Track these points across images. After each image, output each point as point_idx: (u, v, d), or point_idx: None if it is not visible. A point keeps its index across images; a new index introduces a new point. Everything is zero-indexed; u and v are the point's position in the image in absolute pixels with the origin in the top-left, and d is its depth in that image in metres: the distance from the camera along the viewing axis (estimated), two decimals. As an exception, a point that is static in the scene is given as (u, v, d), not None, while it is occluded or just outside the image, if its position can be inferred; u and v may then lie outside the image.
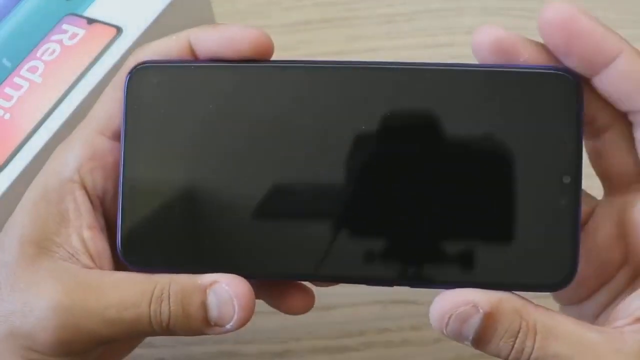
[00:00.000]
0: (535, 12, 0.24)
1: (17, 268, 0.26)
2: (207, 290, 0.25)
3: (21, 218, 0.26)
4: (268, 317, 0.36)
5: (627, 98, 0.24)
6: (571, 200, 0.24)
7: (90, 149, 0.27)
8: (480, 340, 0.24)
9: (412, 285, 0.26)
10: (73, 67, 0.37)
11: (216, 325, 0.26)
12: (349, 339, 0.39)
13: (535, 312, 0.24)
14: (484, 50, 0.25)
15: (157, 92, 0.27)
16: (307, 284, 0.29)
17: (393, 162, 0.25)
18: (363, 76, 0.25)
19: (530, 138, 0.24)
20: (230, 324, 0.25)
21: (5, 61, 0.38)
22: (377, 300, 0.39)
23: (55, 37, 0.38)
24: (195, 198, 0.27)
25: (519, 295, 0.24)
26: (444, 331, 0.24)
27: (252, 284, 0.26)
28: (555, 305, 0.29)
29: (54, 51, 0.38)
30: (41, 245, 0.26)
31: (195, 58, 0.27)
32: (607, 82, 0.24)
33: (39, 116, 0.36)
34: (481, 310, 0.23)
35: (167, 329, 0.25)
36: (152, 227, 0.27)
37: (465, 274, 0.25)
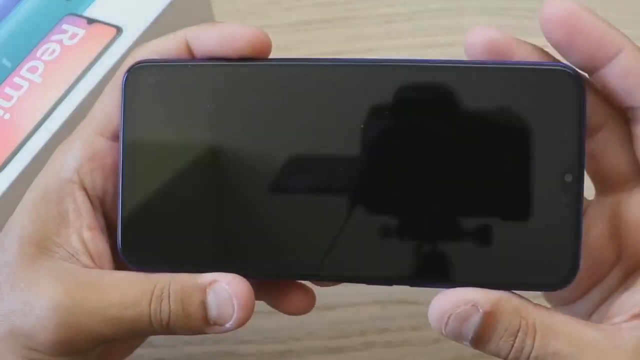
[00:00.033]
0: (536, 12, 0.24)
1: (17, 268, 0.26)
2: (207, 290, 0.25)
3: (21, 218, 0.27)
4: (268, 317, 0.36)
5: (629, 94, 0.24)
6: (573, 198, 0.24)
7: (89, 150, 0.27)
8: (479, 339, 0.24)
9: (412, 285, 0.26)
10: (73, 67, 0.37)
11: (216, 324, 0.26)
12: (349, 339, 0.39)
13: (535, 310, 0.24)
14: (477, 51, 0.25)
15: (155, 91, 0.27)
16: (307, 283, 0.29)
17: (392, 161, 0.25)
18: (361, 73, 0.25)
19: (532, 135, 0.24)
20: (230, 323, 0.25)
21: (5, 61, 0.38)
22: (377, 300, 0.39)
23: (55, 37, 0.38)
24: (194, 197, 0.27)
25: (517, 294, 0.24)
26: (443, 331, 0.24)
27: (252, 284, 0.26)
28: (547, 305, 0.29)
29: (54, 51, 0.38)
30: (41, 246, 0.26)
31: (193, 57, 0.27)
32: (609, 78, 0.24)
33: (38, 116, 0.36)
34: (481, 310, 0.23)
35: (167, 328, 0.25)
36: (152, 227, 0.27)
37: (466, 273, 0.25)
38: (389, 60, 0.25)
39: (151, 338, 0.32)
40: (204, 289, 0.25)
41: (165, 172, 0.27)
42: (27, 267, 0.26)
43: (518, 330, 0.23)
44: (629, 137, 0.26)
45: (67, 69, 0.37)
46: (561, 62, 0.25)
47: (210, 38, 0.26)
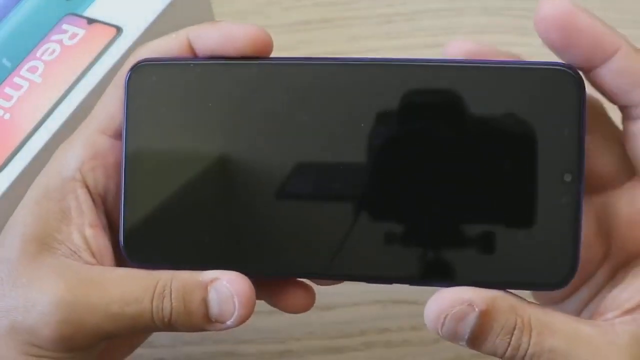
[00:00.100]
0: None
1: (19, 265, 0.26)
2: (208, 287, 0.25)
3: (23, 216, 0.27)
4: (268, 316, 0.36)
5: (624, 93, 0.24)
6: (573, 198, 0.24)
7: (91, 148, 0.27)
8: (476, 338, 0.24)
9: (411, 284, 0.26)
10: (73, 67, 0.37)
11: (217, 321, 0.26)
12: (349, 339, 0.39)
13: (530, 308, 0.24)
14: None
15: (157, 89, 0.27)
16: (308, 281, 0.29)
17: (392, 162, 0.25)
18: (363, 73, 0.25)
19: (532, 135, 0.24)
20: (231, 320, 0.25)
21: (5, 61, 0.38)
22: (377, 300, 0.39)
23: (55, 37, 0.38)
24: (196, 195, 0.27)
25: (512, 293, 0.24)
26: (440, 332, 0.24)
27: (252, 283, 0.26)
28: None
29: (54, 51, 0.38)
30: (43, 242, 0.26)
31: (195, 56, 0.27)
32: (605, 78, 0.24)
33: (38, 116, 0.36)
34: (476, 309, 0.23)
35: (169, 325, 0.26)
36: (154, 224, 0.27)
37: (465, 272, 0.25)
38: (390, 60, 0.25)
39: (151, 338, 0.32)
40: (205, 287, 0.25)
41: (167, 170, 0.27)
42: (29, 263, 0.26)
43: (514, 328, 0.23)
44: (614, 135, 0.26)
45: (67, 69, 0.37)
46: (561, 62, 0.25)
47: (211, 37, 0.26)
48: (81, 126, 0.28)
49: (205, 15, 0.43)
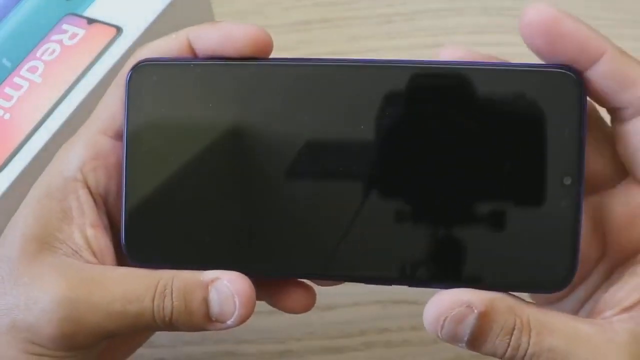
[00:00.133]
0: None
1: (20, 263, 0.26)
2: (209, 287, 0.25)
3: (25, 215, 0.27)
4: (268, 317, 0.36)
5: (612, 96, 0.24)
6: (572, 201, 0.24)
7: (93, 149, 0.27)
8: (475, 340, 0.24)
9: (410, 285, 0.26)
10: (73, 67, 0.37)
11: (217, 321, 0.26)
12: (349, 339, 0.39)
13: (528, 308, 0.24)
14: None
15: (158, 89, 0.27)
16: (308, 281, 0.29)
17: (390, 162, 0.25)
18: (363, 73, 0.25)
19: (532, 137, 0.24)
20: (231, 320, 0.26)
21: (5, 61, 0.38)
22: (377, 300, 0.39)
23: (55, 37, 0.38)
24: (197, 195, 0.27)
25: (510, 294, 0.25)
26: (439, 334, 0.24)
27: (253, 283, 0.26)
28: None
29: (54, 51, 0.38)
30: (44, 241, 0.26)
31: (195, 56, 0.27)
32: (592, 81, 0.24)
33: (39, 116, 0.36)
34: (475, 310, 0.23)
35: (170, 324, 0.26)
36: (156, 224, 0.27)
37: (463, 274, 0.25)
38: (390, 61, 0.25)
39: (152, 338, 0.32)
40: (206, 286, 0.25)
41: (168, 170, 0.27)
42: (31, 262, 0.26)
43: (513, 329, 0.23)
44: (607, 136, 0.26)
45: (67, 69, 0.37)
46: (562, 64, 0.24)
47: (211, 37, 0.27)
48: (83, 126, 0.28)
49: (205, 15, 0.43)
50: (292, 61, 0.26)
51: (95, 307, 0.25)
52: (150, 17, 0.38)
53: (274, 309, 0.29)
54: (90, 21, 0.39)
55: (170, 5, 0.39)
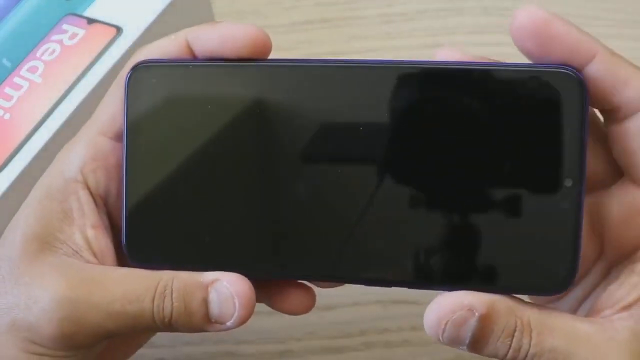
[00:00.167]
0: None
1: (21, 263, 0.26)
2: (209, 288, 0.26)
3: (25, 215, 0.27)
4: (268, 317, 0.36)
5: (604, 97, 0.24)
6: (573, 204, 0.24)
7: (93, 150, 0.27)
8: (477, 342, 0.24)
9: (410, 287, 0.26)
10: (73, 67, 0.37)
11: (217, 322, 0.26)
12: (349, 339, 0.39)
13: (528, 309, 0.24)
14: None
15: (157, 90, 0.27)
16: (308, 283, 0.29)
17: (390, 162, 0.25)
18: (363, 74, 0.25)
19: (533, 138, 0.24)
20: (231, 321, 0.26)
21: (5, 61, 0.38)
22: (377, 300, 0.39)
23: (55, 37, 0.38)
24: (197, 195, 0.27)
25: (509, 295, 0.25)
26: (441, 338, 0.24)
27: (252, 285, 0.26)
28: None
29: (54, 51, 0.38)
30: (44, 241, 0.26)
31: (194, 57, 0.27)
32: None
33: (39, 116, 0.36)
34: (476, 313, 0.23)
35: (169, 325, 0.26)
36: (156, 225, 0.27)
37: (464, 277, 0.25)
38: (391, 61, 0.25)
39: (152, 338, 0.32)
40: (206, 287, 0.26)
41: (168, 170, 0.27)
42: (31, 262, 0.26)
43: (514, 330, 0.23)
44: (601, 136, 0.26)
45: (67, 69, 0.37)
46: (562, 64, 0.24)
47: (210, 38, 0.27)
48: (84, 127, 0.28)
49: (205, 15, 0.43)
50: (291, 62, 0.26)
51: (95, 307, 0.25)
52: (150, 17, 0.38)
53: (275, 310, 0.29)
54: (90, 21, 0.39)
55: (170, 5, 0.39)
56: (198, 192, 0.27)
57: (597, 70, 0.24)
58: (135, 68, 0.27)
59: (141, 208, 0.27)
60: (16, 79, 0.37)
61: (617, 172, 0.26)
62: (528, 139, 0.24)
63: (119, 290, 0.25)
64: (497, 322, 0.23)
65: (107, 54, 0.37)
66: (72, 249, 0.26)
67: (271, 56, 0.27)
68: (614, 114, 0.25)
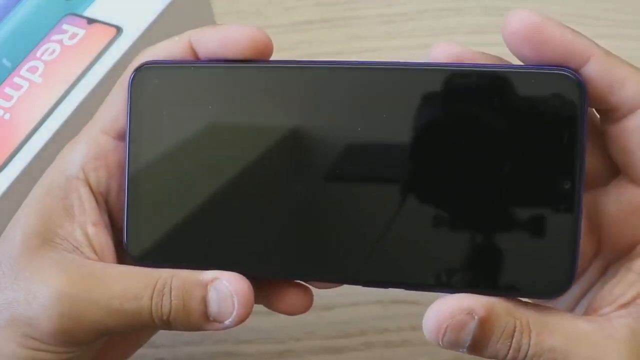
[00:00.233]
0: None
1: (21, 258, 0.26)
2: (208, 286, 0.26)
3: (26, 212, 0.27)
4: (267, 317, 0.36)
5: (601, 98, 0.24)
6: (571, 206, 0.24)
7: (95, 148, 0.28)
8: (477, 345, 0.24)
9: (407, 288, 0.26)
10: (73, 67, 0.37)
11: (215, 321, 0.26)
12: (349, 339, 0.39)
13: (526, 310, 0.24)
14: None
15: (160, 91, 0.27)
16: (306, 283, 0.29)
17: (387, 163, 0.25)
18: (364, 76, 0.25)
19: (532, 140, 0.24)
20: (229, 320, 0.26)
21: (5, 61, 0.38)
22: (377, 300, 0.39)
23: (55, 37, 0.38)
24: (198, 195, 0.27)
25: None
26: (441, 342, 0.24)
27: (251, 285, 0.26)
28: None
29: (54, 51, 0.38)
30: (45, 237, 0.26)
31: (197, 58, 0.27)
32: None
33: (38, 116, 0.36)
34: (476, 317, 0.23)
35: (168, 323, 0.26)
36: (157, 224, 0.27)
37: (462, 279, 0.25)
38: (391, 63, 0.25)
39: (152, 338, 0.32)
40: (205, 286, 0.26)
41: (170, 170, 0.27)
42: (32, 257, 0.26)
43: (514, 331, 0.23)
44: (597, 134, 0.26)
45: (67, 69, 0.37)
46: (562, 66, 0.24)
47: (212, 40, 0.27)
48: (86, 126, 0.28)
49: (205, 16, 0.43)
50: (294, 63, 0.26)
51: (95, 304, 0.25)
52: (150, 17, 0.38)
53: (273, 310, 0.29)
54: (90, 21, 0.39)
55: (170, 5, 0.39)
56: (199, 192, 0.27)
57: (593, 71, 0.24)
58: (139, 69, 0.27)
59: (142, 207, 0.27)
60: (16, 79, 0.37)
61: (614, 170, 0.26)
62: (526, 140, 0.24)
63: (118, 287, 0.25)
64: (497, 324, 0.23)
65: (107, 54, 0.37)
66: (73, 245, 0.27)
67: (272, 57, 0.27)
68: (611, 113, 0.25)
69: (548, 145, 0.24)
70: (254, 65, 0.26)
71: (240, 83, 0.26)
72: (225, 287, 0.25)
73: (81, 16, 0.39)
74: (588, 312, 0.25)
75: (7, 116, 0.36)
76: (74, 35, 0.38)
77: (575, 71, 0.24)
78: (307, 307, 0.28)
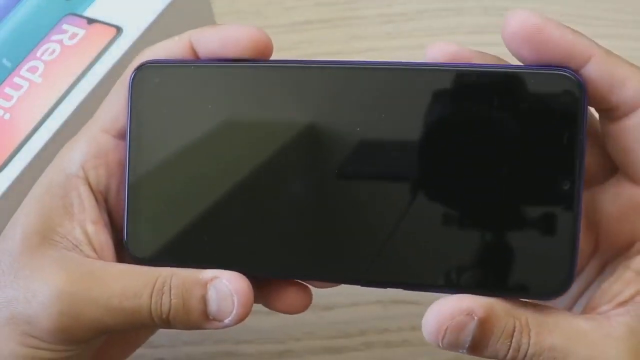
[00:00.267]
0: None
1: (21, 257, 0.26)
2: (208, 285, 0.26)
3: (26, 211, 0.27)
4: (267, 317, 0.36)
5: (601, 98, 0.24)
6: (571, 206, 0.24)
7: (95, 147, 0.28)
8: (477, 346, 0.24)
9: (405, 289, 0.26)
10: (73, 67, 0.37)
11: (214, 319, 0.26)
12: (349, 339, 0.39)
13: (525, 309, 0.24)
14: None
15: (160, 90, 0.27)
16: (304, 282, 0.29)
17: (386, 163, 0.25)
18: (364, 75, 0.25)
19: (531, 141, 0.24)
20: (229, 319, 0.26)
21: (5, 61, 0.38)
22: (377, 300, 0.39)
23: (55, 37, 0.38)
24: (198, 194, 0.27)
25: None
26: (440, 344, 0.24)
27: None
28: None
29: (54, 51, 0.38)
30: (44, 235, 0.26)
31: (197, 58, 0.28)
32: None
33: (38, 116, 0.36)
34: (476, 317, 0.23)
35: (167, 322, 0.26)
36: (157, 222, 0.27)
37: (460, 279, 0.25)
38: (391, 63, 0.25)
39: (151, 338, 0.32)
40: (205, 284, 0.26)
41: (169, 169, 0.27)
42: (32, 255, 0.26)
43: (513, 331, 0.23)
44: (595, 132, 0.26)
45: (67, 69, 0.37)
46: (562, 66, 0.24)
47: (212, 40, 0.27)
48: (87, 125, 0.28)
49: (205, 15, 0.43)
50: (294, 63, 0.26)
51: (94, 302, 0.25)
52: (150, 17, 0.38)
53: (272, 309, 0.29)
54: (90, 21, 0.39)
55: (170, 5, 0.39)
56: (199, 191, 0.27)
57: (594, 70, 0.24)
58: (140, 68, 0.27)
59: (142, 205, 0.27)
60: (16, 79, 0.37)
61: (611, 169, 0.26)
62: (526, 140, 0.24)
63: (117, 285, 0.25)
64: (496, 325, 0.23)
65: (107, 54, 0.37)
66: (72, 243, 0.27)
67: (272, 57, 0.27)
68: (612, 112, 0.25)
69: (548, 145, 0.24)
70: (255, 64, 0.26)
71: (241, 82, 0.26)
72: (225, 286, 0.25)
73: (81, 16, 0.39)
74: (586, 310, 0.25)
75: (7, 116, 0.36)
76: (74, 35, 0.38)
77: (575, 71, 0.24)
78: (306, 306, 0.28)
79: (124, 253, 0.28)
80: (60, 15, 0.39)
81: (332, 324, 0.39)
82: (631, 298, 0.24)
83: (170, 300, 0.25)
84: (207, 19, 0.43)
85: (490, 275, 0.24)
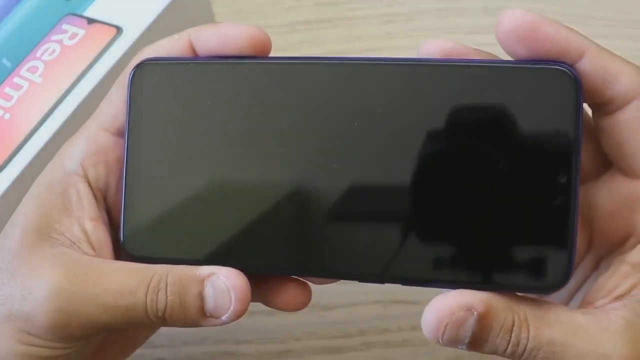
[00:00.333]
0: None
1: (19, 254, 0.26)
2: (205, 282, 0.26)
3: (25, 209, 0.27)
4: (268, 317, 0.36)
5: (595, 93, 0.25)
6: (568, 200, 0.24)
7: (94, 145, 0.28)
8: (476, 341, 0.24)
9: (403, 284, 0.26)
10: (73, 67, 0.37)
11: (212, 316, 0.26)
12: (349, 339, 0.39)
13: (524, 304, 0.24)
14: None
15: (159, 87, 0.27)
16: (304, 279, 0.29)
17: (382, 160, 0.25)
18: (363, 72, 0.25)
19: (528, 135, 0.24)
20: (226, 315, 0.26)
21: (5, 61, 0.38)
22: (377, 300, 0.39)
23: (55, 37, 0.38)
24: (196, 191, 0.27)
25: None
26: (440, 340, 0.24)
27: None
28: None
29: (54, 51, 0.38)
30: (42, 232, 0.26)
31: (196, 56, 0.28)
32: None
33: (38, 116, 0.36)
34: (475, 313, 0.23)
35: (163, 319, 0.26)
36: (155, 220, 0.27)
37: (460, 275, 0.25)
38: (390, 59, 0.25)
39: (151, 338, 0.32)
40: (202, 281, 0.26)
41: (168, 167, 0.27)
42: (30, 253, 0.26)
43: (513, 326, 0.23)
44: (589, 127, 0.26)
45: (67, 69, 0.37)
46: (558, 61, 0.24)
47: (211, 38, 0.27)
48: (86, 123, 0.28)
49: (205, 15, 0.43)
50: (294, 60, 0.26)
51: (90, 299, 0.25)
52: (150, 17, 0.38)
53: (274, 309, 0.29)
54: (90, 21, 0.39)
55: (170, 5, 0.39)
56: (197, 188, 0.27)
57: (587, 67, 0.24)
58: (139, 65, 0.27)
59: (140, 203, 0.27)
60: (16, 79, 0.37)
61: (604, 165, 0.26)
62: (523, 135, 0.24)
63: (113, 283, 0.25)
64: (496, 320, 0.23)
65: (107, 54, 0.37)
66: (70, 240, 0.27)
67: (269, 54, 0.27)
68: (605, 107, 0.25)
69: (544, 140, 0.24)
70: (254, 61, 0.27)
71: (240, 79, 0.26)
72: (222, 282, 0.25)
73: (81, 16, 0.39)
74: (583, 304, 0.25)
75: (7, 116, 0.36)
76: (74, 35, 0.38)
77: (571, 66, 0.24)
78: (305, 303, 0.28)
79: (122, 252, 0.28)
80: (60, 15, 0.39)
81: (332, 324, 0.39)
82: (627, 292, 0.25)
83: (167, 297, 0.25)
84: (207, 19, 0.43)
85: (488, 270, 0.24)
